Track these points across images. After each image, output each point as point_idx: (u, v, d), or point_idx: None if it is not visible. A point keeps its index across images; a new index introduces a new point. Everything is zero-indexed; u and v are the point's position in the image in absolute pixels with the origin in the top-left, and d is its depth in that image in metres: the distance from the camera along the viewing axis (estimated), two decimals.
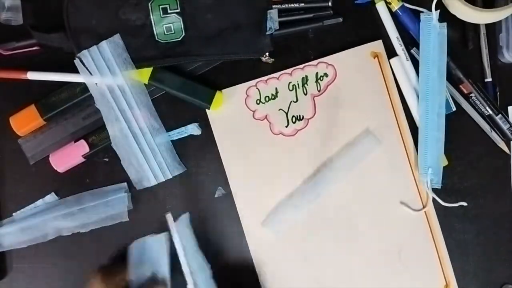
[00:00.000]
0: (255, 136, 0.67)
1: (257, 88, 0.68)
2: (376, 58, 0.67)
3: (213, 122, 0.67)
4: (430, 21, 0.65)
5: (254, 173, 0.67)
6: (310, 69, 0.68)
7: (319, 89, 0.68)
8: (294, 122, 0.68)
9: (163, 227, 0.67)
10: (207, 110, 0.67)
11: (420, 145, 0.66)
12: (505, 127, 0.66)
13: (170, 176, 0.67)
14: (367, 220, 0.66)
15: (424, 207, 0.66)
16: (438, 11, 0.64)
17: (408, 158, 0.67)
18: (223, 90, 0.67)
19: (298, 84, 0.68)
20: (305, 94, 0.68)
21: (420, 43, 0.65)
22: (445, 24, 0.65)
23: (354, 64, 0.67)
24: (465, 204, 0.66)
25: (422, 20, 0.65)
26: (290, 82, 0.68)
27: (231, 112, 0.67)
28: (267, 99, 0.68)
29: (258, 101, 0.68)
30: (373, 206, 0.67)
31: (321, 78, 0.68)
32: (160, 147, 0.66)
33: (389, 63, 0.67)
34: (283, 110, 0.68)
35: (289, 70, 0.68)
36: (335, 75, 0.68)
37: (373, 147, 0.66)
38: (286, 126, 0.68)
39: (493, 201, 0.67)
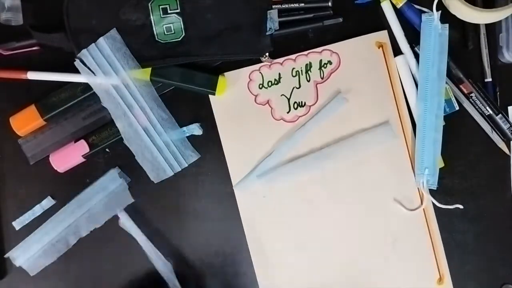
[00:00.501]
0: (256, 121, 0.67)
1: (260, 72, 0.68)
2: (380, 48, 0.67)
3: (215, 105, 0.67)
4: (432, 21, 0.65)
5: (253, 159, 0.67)
6: (314, 56, 0.67)
7: (322, 76, 0.68)
8: (295, 108, 0.68)
9: (164, 224, 0.67)
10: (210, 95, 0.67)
11: (417, 145, 0.66)
12: (505, 127, 0.66)
13: (185, 165, 0.67)
14: (364, 209, 0.67)
15: (418, 207, 0.66)
16: (439, 12, 0.64)
17: (408, 151, 0.67)
18: (225, 74, 0.67)
19: (301, 70, 0.68)
20: (308, 81, 0.68)
21: (421, 43, 0.65)
22: (447, 25, 0.65)
23: (358, 53, 0.67)
24: (461, 206, 0.66)
25: (423, 21, 0.65)
26: (293, 68, 0.68)
27: (233, 95, 0.67)
28: (269, 84, 0.68)
29: (260, 86, 0.68)
30: (370, 196, 0.67)
31: (325, 65, 0.68)
32: (172, 137, 0.66)
33: (395, 60, 0.67)
34: (285, 96, 0.68)
35: (293, 56, 0.67)
36: (339, 63, 0.67)
37: (387, 139, 0.66)
38: (288, 112, 0.68)
39: (493, 201, 0.67)
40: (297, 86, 0.68)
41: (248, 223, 0.67)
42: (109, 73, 0.63)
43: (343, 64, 0.67)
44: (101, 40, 0.63)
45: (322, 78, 0.67)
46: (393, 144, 0.67)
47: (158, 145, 0.65)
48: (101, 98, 0.64)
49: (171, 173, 0.66)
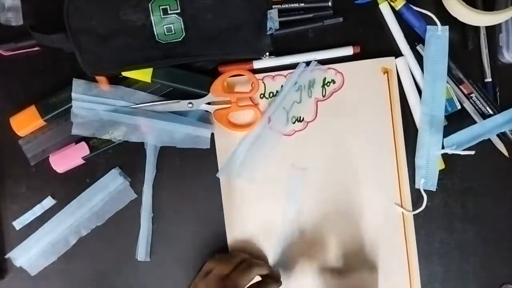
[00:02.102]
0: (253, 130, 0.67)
1: (263, 82, 0.68)
2: (386, 74, 0.67)
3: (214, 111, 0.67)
4: (435, 31, 0.65)
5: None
6: (318, 73, 0.67)
7: (324, 94, 0.68)
8: (293, 123, 0.68)
9: (162, 223, 0.67)
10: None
11: (418, 146, 0.66)
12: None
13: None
14: (345, 216, 0.67)
15: (418, 208, 0.67)
16: (447, 27, 0.65)
17: (398, 175, 0.67)
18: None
19: (304, 85, 0.68)
20: (310, 97, 0.68)
21: (425, 50, 0.66)
22: (447, 27, 0.65)
23: (363, 76, 0.67)
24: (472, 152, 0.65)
25: (428, 29, 0.66)
26: (296, 83, 0.67)
27: None
28: (271, 95, 0.68)
29: (262, 95, 0.68)
30: (354, 204, 0.67)
31: (328, 84, 0.68)
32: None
33: (395, 63, 0.67)
34: (284, 109, 0.68)
35: (298, 71, 0.67)
36: (343, 83, 0.67)
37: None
38: (285, 125, 0.68)
39: (493, 201, 0.67)
40: (298, 101, 0.68)
41: (231, 224, 0.67)
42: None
43: (346, 85, 0.67)
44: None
45: (323, 96, 0.68)
46: (384, 162, 0.67)
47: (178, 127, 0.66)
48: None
49: (209, 134, 0.66)
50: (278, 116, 0.67)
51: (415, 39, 0.67)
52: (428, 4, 0.66)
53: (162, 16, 0.62)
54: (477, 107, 0.66)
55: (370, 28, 0.68)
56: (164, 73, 0.65)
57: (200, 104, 0.66)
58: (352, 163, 0.67)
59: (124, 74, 0.65)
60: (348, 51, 0.67)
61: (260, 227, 0.67)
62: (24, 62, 0.67)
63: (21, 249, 0.66)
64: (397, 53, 0.67)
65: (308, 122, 0.68)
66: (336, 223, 0.67)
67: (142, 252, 0.67)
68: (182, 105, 0.66)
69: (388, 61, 0.67)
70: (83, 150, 0.66)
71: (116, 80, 0.66)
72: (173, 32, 0.63)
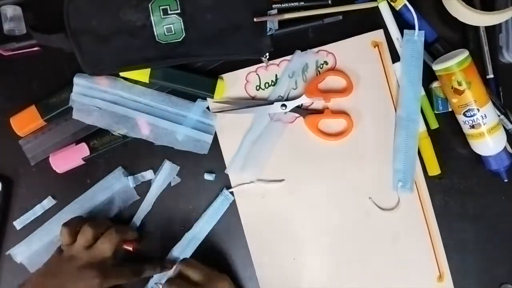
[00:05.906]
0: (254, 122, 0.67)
1: (257, 74, 0.68)
2: (376, 47, 0.67)
3: (212, 107, 0.67)
4: (412, 35, 0.65)
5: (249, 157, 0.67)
6: (310, 56, 0.67)
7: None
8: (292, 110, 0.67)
9: (163, 223, 0.67)
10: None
11: (394, 151, 0.66)
12: (506, 127, 0.66)
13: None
14: (364, 209, 0.67)
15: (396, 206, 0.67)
16: (423, 32, 0.65)
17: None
18: (223, 76, 0.67)
19: (298, 71, 0.67)
20: (305, 82, 0.68)
21: (402, 51, 0.66)
22: (423, 32, 0.65)
23: (354, 53, 0.67)
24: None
25: (405, 32, 0.66)
26: (290, 69, 0.67)
27: (231, 97, 0.67)
28: (267, 85, 0.68)
29: (257, 87, 0.68)
30: (371, 195, 0.67)
31: (321, 66, 0.67)
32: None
33: (392, 67, 0.67)
34: (282, 97, 0.67)
35: (289, 57, 0.67)
36: (335, 63, 0.67)
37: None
38: (285, 113, 0.67)
39: (493, 201, 0.67)
40: (294, 87, 0.68)
41: (248, 225, 0.67)
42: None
43: (339, 64, 0.67)
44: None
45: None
46: (384, 141, 0.67)
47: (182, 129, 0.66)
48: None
49: (210, 139, 0.66)
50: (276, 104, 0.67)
51: None
52: (428, 4, 0.66)
53: (162, 16, 0.62)
54: None
55: (369, 27, 0.67)
56: (163, 74, 0.65)
57: (292, 106, 0.66)
58: (358, 142, 0.67)
59: (122, 74, 0.65)
60: None
61: (276, 225, 0.67)
62: (24, 62, 0.67)
63: (22, 246, 0.67)
64: (397, 53, 0.67)
65: (307, 107, 0.68)
66: (342, 201, 0.67)
67: None
68: (275, 107, 0.66)
69: (377, 34, 0.67)
70: (83, 150, 0.66)
71: None
72: (173, 33, 0.63)
